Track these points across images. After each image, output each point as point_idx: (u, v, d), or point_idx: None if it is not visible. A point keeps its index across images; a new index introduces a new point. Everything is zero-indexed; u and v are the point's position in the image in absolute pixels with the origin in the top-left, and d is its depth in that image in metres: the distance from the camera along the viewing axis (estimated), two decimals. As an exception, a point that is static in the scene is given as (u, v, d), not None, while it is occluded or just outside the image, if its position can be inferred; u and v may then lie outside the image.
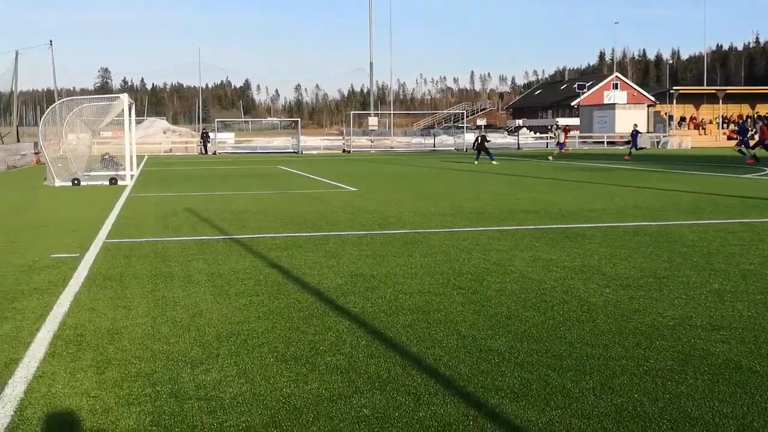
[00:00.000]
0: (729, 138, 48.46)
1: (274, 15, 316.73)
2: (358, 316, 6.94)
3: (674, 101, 69.08)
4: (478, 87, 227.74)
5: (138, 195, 20.97)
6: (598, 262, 9.55)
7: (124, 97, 26.79)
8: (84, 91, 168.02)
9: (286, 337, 6.25)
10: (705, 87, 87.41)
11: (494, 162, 36.90)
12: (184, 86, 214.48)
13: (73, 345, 6.12)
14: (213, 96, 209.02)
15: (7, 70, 51.65)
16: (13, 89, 53.56)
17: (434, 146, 66.93)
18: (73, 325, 6.72)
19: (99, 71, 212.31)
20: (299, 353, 5.82)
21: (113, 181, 25.66)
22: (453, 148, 64.46)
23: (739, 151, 36.09)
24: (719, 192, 19.75)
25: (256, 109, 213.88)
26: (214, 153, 59.79)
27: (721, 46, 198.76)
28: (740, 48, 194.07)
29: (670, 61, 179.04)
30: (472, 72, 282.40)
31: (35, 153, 43.08)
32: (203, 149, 61.20)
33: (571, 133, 69.73)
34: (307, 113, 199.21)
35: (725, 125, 67.05)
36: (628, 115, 67.60)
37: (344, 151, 62.35)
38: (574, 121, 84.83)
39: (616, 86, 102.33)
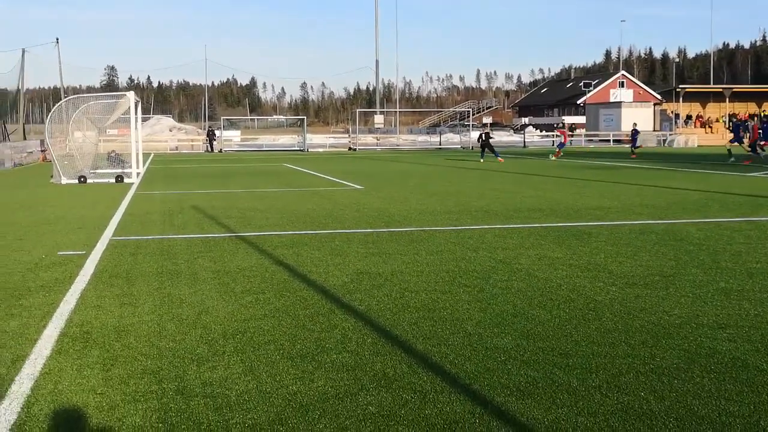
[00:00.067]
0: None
1: (279, 13, 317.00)
2: (364, 314, 6.94)
3: (681, 99, 68.90)
4: (484, 85, 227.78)
5: (144, 192, 21.00)
6: (605, 260, 9.54)
7: (131, 95, 26.82)
8: (90, 89, 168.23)
9: (292, 335, 6.26)
10: (711, 85, 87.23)
11: (500, 159, 37.10)
12: (190, 84, 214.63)
13: (80, 342, 6.14)
14: (219, 94, 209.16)
15: (13, 68, 51.76)
16: (20, 87, 53.64)
17: (440, 144, 66.93)
18: (79, 323, 6.74)
19: (105, 69, 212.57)
20: (305, 351, 5.83)
21: (119, 178, 25.70)
22: (459, 146, 64.42)
23: (728, 150, 35.99)
24: (726, 190, 19.71)
25: (262, 107, 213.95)
26: (220, 151, 59.87)
27: (728, 44, 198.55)
28: (747, 46, 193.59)
29: (677, 60, 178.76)
30: (478, 70, 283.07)
31: (42, 150, 43.14)
32: (209, 147, 61.26)
33: (578, 131, 69.81)
34: (313, 111, 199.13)
35: (749, 123, 66.78)
36: (635, 113, 67.45)
37: (350, 149, 62.34)
38: (581, 119, 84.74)
39: (622, 84, 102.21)
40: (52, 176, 26.29)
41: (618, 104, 74.24)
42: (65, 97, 30.45)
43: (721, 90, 71.73)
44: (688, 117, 70.68)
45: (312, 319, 6.79)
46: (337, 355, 5.72)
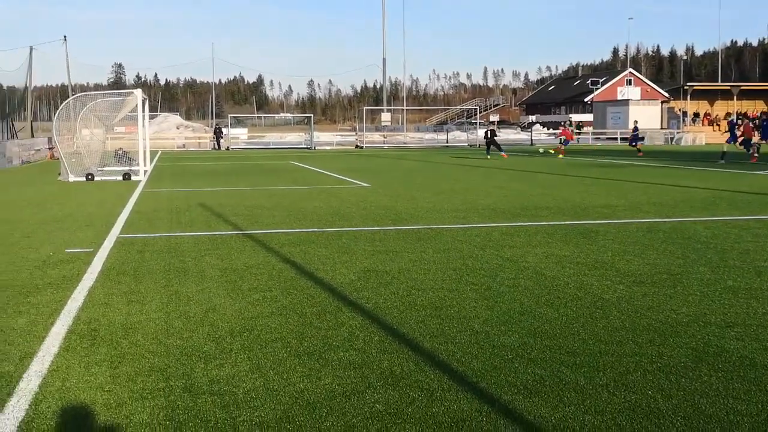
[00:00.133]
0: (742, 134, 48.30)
1: (287, 11, 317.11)
2: (371, 312, 6.94)
3: (688, 97, 68.68)
4: (491, 83, 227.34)
5: (151, 190, 21.04)
6: (612, 258, 9.52)
7: (138, 93, 26.87)
8: (98, 87, 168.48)
9: (299, 333, 6.26)
10: (719, 83, 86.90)
11: (503, 154, 38.25)
12: (198, 82, 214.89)
13: (87, 339, 6.15)
14: (226, 91, 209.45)
15: (21, 66, 51.71)
16: (28, 84, 53.72)
17: (447, 142, 66.91)
18: (87, 320, 6.76)
19: (113, 67, 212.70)
20: (312, 349, 5.83)
21: (127, 176, 25.74)
22: (466, 144, 64.38)
23: (723, 152, 35.93)
24: (734, 188, 19.65)
25: (269, 104, 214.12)
26: (227, 148, 59.92)
27: (736, 41, 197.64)
28: (755, 44, 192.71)
29: (684, 57, 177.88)
30: (485, 68, 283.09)
31: (49, 148, 43.26)
32: (216, 145, 61.31)
33: (585, 129, 69.66)
34: (319, 109, 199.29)
35: (740, 121, 66.58)
36: (642, 111, 67.37)
37: (357, 146, 62.36)
38: (588, 117, 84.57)
39: (629, 82, 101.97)
40: (59, 174, 26.36)
41: (625, 102, 74.12)
42: (73, 95, 30.51)
43: (728, 88, 71.42)
44: (696, 115, 70.47)
45: (319, 316, 6.79)
46: (344, 352, 5.72)
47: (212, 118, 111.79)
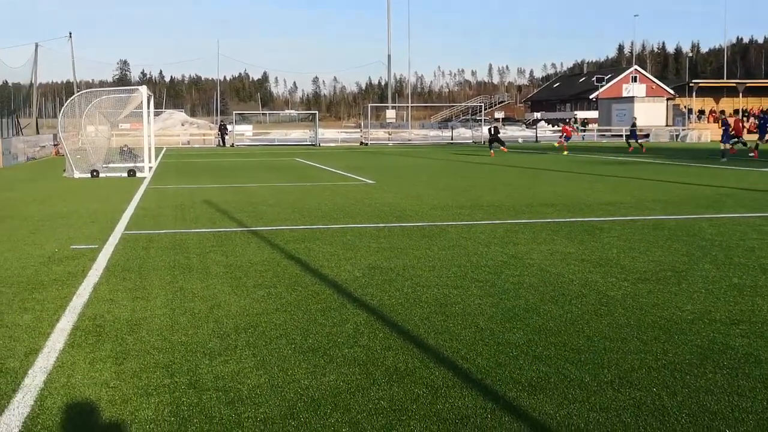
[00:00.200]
0: (749, 132, 48.32)
1: (292, 7, 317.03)
2: (375, 309, 6.94)
3: (694, 94, 68.56)
4: (496, 80, 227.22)
5: (156, 187, 21.06)
6: (617, 255, 9.51)
7: (143, 90, 26.90)
8: (103, 83, 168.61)
9: (303, 329, 6.27)
10: (725, 80, 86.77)
11: (503, 148, 40.28)
12: (203, 78, 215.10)
13: (93, 336, 6.16)
14: (231, 88, 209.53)
15: (26, 62, 51.81)
16: (33, 81, 53.84)
17: (452, 139, 66.80)
18: (92, 316, 6.76)
19: (118, 63, 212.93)
20: (317, 345, 5.83)
21: (132, 172, 25.78)
22: (471, 141, 64.31)
23: (722, 149, 35.95)
24: (739, 186, 19.61)
25: (273, 101, 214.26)
26: (232, 145, 59.93)
27: (742, 38, 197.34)
28: (761, 41, 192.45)
29: (690, 54, 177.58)
30: (490, 65, 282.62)
31: (54, 144, 43.34)
32: (221, 141, 61.32)
33: (590, 126, 69.56)
34: (324, 106, 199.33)
35: (746, 119, 66.48)
36: (647, 108, 67.22)
37: (362, 143, 62.32)
38: (593, 114, 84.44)
39: (635, 79, 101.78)
40: (64, 170, 26.39)
41: (631, 99, 73.95)
42: (78, 92, 30.48)
43: (734, 85, 71.23)
44: (701, 112, 70.36)
45: (324, 313, 6.79)
46: (348, 349, 5.72)
47: (217, 115, 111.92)
